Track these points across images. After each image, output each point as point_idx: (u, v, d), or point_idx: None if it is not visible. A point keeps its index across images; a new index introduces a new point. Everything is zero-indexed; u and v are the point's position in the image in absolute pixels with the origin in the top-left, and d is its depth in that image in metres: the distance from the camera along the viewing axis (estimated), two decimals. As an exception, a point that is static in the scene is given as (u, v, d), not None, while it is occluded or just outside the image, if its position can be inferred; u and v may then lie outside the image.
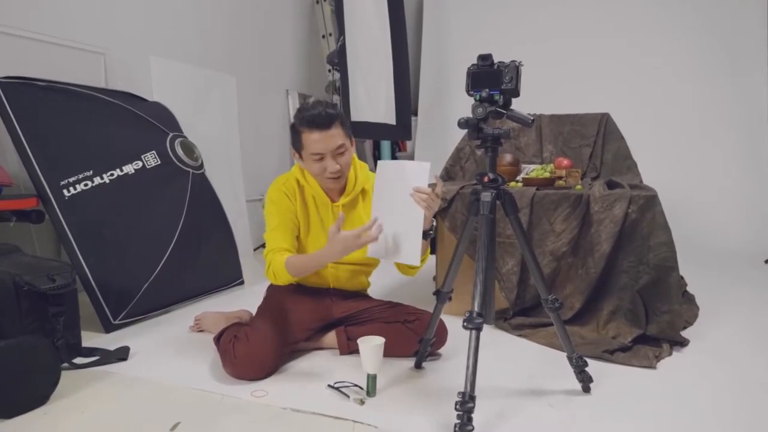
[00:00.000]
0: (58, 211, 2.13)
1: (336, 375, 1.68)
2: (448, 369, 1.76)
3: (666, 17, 4.26)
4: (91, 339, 2.00)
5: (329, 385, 1.61)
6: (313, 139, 1.64)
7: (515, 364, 1.82)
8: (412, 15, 5.15)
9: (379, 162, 1.56)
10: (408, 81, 4.13)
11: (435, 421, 1.41)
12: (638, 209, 2.03)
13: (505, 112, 1.43)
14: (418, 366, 1.76)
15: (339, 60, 4.01)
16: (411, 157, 5.04)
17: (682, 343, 1.95)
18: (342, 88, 4.05)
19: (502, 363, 1.82)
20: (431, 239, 1.65)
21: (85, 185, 2.22)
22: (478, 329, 1.33)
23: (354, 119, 3.94)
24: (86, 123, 2.36)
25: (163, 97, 3.01)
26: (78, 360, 1.80)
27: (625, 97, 4.16)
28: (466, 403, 1.28)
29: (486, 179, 1.45)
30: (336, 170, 1.68)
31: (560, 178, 2.44)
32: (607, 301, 2.08)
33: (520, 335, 2.09)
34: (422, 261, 1.58)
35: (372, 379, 1.56)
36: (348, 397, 1.55)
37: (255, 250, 3.82)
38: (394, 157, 5.21)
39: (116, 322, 2.15)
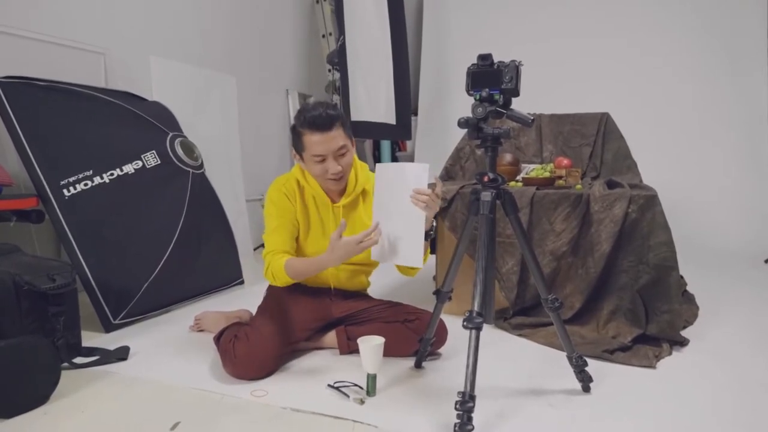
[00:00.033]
0: (58, 210, 2.13)
1: (336, 375, 1.68)
2: (448, 369, 1.76)
3: (666, 17, 4.26)
4: (91, 339, 2.00)
5: (329, 385, 1.61)
6: (315, 141, 1.64)
7: (515, 363, 1.82)
8: (412, 15, 5.15)
9: (377, 165, 1.56)
10: (408, 81, 4.13)
11: (435, 421, 1.41)
12: (638, 209, 2.03)
13: (505, 111, 1.42)
14: (418, 366, 1.76)
15: (339, 60, 4.01)
16: (411, 157, 5.04)
17: (682, 342, 1.95)
18: (342, 88, 4.05)
19: (502, 363, 1.82)
20: (431, 239, 1.64)
21: (85, 185, 2.22)
22: (478, 329, 1.33)
23: (354, 119, 3.94)
24: (86, 123, 2.36)
25: (163, 97, 3.01)
26: (78, 360, 1.80)
27: (625, 97, 4.16)
28: (466, 403, 1.28)
29: (486, 179, 1.45)
30: (337, 171, 1.68)
31: (560, 177, 2.44)
32: (607, 301, 2.08)
33: (520, 335, 2.09)
34: (423, 261, 1.58)
35: (372, 378, 1.56)
36: (348, 396, 1.55)
37: (255, 249, 3.82)
38: (394, 157, 5.21)
39: (116, 321, 2.15)
